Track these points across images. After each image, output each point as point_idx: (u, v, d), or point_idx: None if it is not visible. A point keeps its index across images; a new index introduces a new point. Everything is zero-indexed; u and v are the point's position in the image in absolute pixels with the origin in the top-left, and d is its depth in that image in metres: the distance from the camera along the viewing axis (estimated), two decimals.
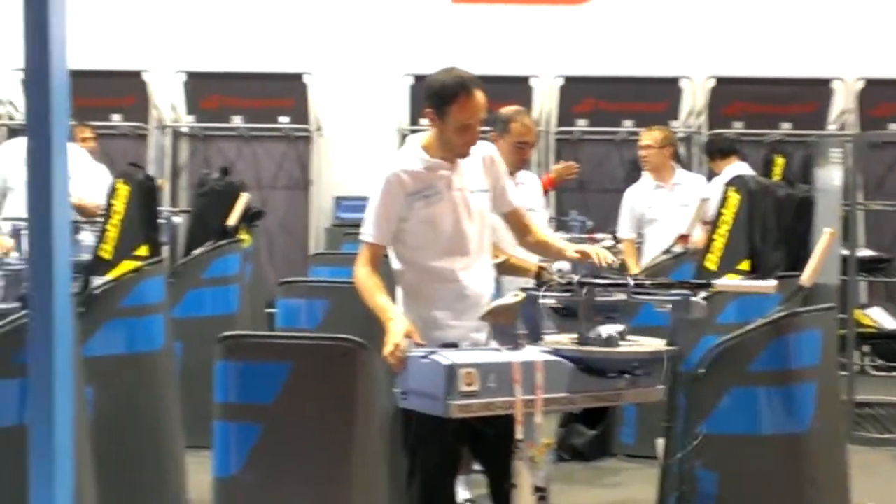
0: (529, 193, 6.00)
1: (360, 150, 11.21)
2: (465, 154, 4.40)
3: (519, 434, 3.67)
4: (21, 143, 7.55)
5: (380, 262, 4.37)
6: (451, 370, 3.52)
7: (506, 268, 4.99)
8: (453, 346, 3.81)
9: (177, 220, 8.79)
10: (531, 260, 5.09)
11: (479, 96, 4.28)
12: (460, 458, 4.43)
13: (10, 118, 10.35)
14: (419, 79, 10.62)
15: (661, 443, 4.90)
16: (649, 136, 8.19)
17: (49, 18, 3.52)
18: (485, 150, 4.52)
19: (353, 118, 11.21)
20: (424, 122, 4.46)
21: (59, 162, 3.58)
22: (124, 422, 5.64)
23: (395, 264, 4.45)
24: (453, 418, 3.54)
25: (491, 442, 4.02)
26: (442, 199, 4.38)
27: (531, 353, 3.82)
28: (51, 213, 3.52)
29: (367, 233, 4.39)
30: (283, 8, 11.14)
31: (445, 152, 4.37)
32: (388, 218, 4.34)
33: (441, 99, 4.28)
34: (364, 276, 4.28)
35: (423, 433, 4.08)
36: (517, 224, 4.68)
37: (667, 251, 7.62)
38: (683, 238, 7.65)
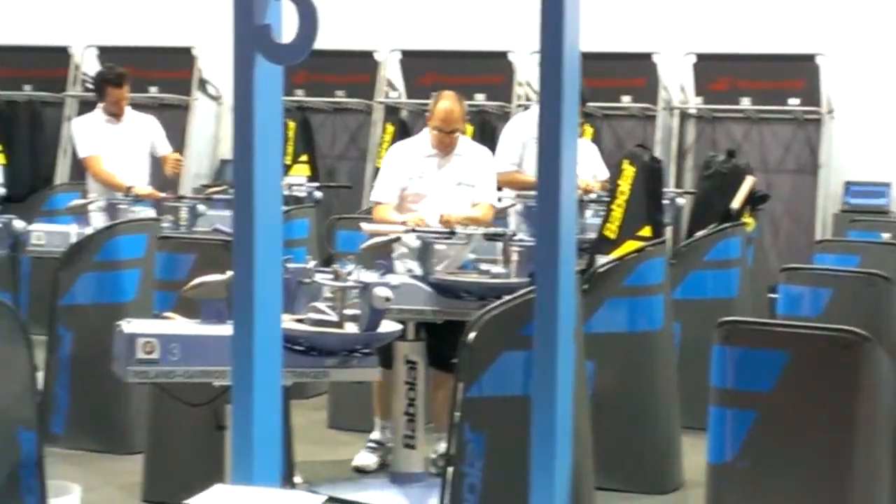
0: None
1: (873, 133, 10.71)
2: None
3: None
4: (524, 117, 7.78)
5: None
6: None
7: None
8: None
9: (681, 201, 8.80)
10: None
11: None
12: None
13: (528, 98, 10.76)
14: None
15: None
16: None
17: (564, 4, 3.63)
18: None
19: (866, 101, 10.73)
20: None
21: (567, 142, 3.69)
22: (622, 398, 5.75)
23: None
24: None
25: None
26: None
27: None
28: (558, 192, 3.64)
29: None
30: None
31: None
32: None
33: None
34: None
35: None
36: None
37: None
38: None
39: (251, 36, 3.45)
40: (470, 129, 10.52)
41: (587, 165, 7.56)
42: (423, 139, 6.21)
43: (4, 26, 11.72)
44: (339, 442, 6.58)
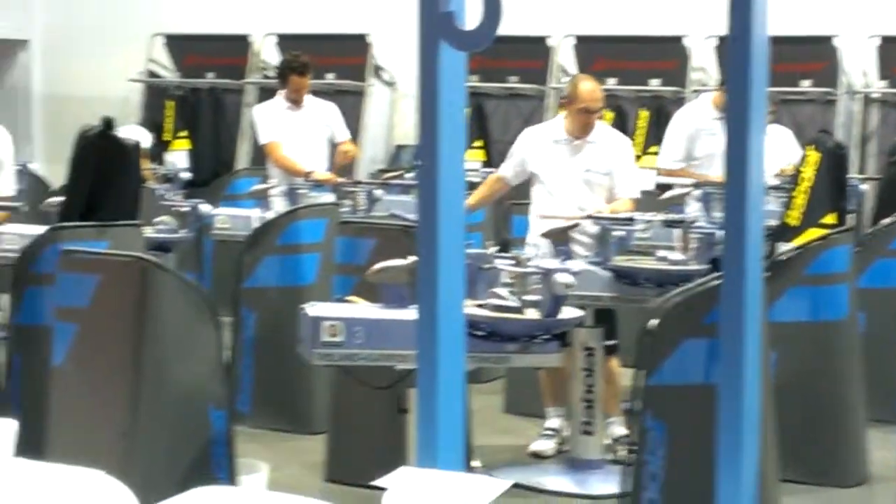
0: None
1: None
2: None
3: None
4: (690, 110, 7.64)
5: None
6: None
7: None
8: None
9: (864, 187, 8.56)
10: None
11: None
12: None
13: (702, 84, 10.58)
14: None
15: None
16: None
17: None
18: None
19: None
20: None
21: (756, 128, 3.62)
22: (805, 389, 5.62)
23: None
24: None
25: None
26: None
27: None
28: (746, 178, 3.57)
29: None
30: None
31: None
32: None
33: None
34: None
35: None
36: None
37: None
38: None
39: (435, 23, 3.47)
40: (645, 114, 10.44)
41: (779, 152, 7.39)
42: (556, 124, 6.18)
43: (187, 16, 12.05)
44: (516, 427, 6.59)
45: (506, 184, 6.30)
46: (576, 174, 6.00)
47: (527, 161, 6.11)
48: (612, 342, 5.86)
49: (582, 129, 6.01)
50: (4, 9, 12.22)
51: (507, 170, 6.25)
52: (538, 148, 6.09)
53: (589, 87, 5.98)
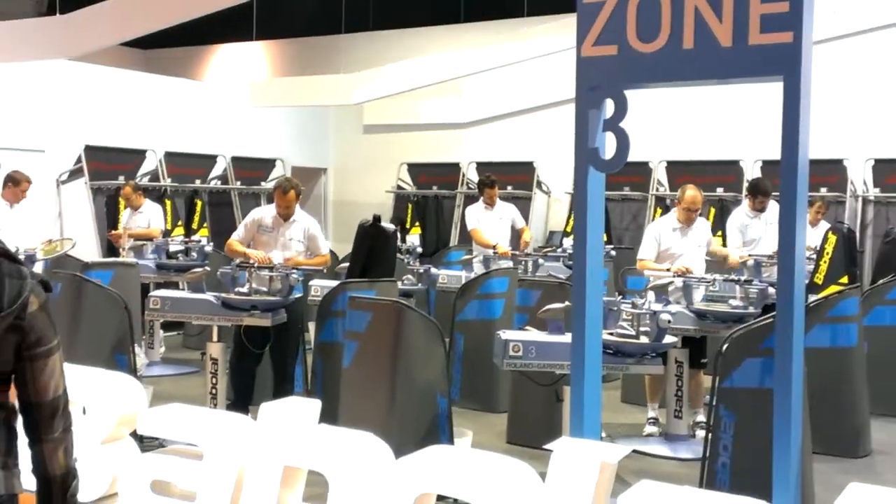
0: None
1: None
2: None
3: None
4: None
5: None
6: None
7: None
8: None
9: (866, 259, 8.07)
10: None
11: None
12: None
13: (745, 193, 10.20)
14: None
15: None
16: None
17: None
18: None
19: None
20: None
21: (799, 223, 3.44)
22: (829, 390, 5.29)
23: None
24: None
25: None
26: None
27: None
28: (794, 252, 3.39)
29: None
30: None
31: None
32: None
33: None
34: None
35: None
36: None
37: None
38: None
39: (585, 154, 3.45)
40: (712, 210, 10.09)
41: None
42: (672, 217, 5.93)
43: (423, 150, 12.27)
44: (629, 412, 6.39)
45: (651, 260, 5.99)
46: (687, 248, 5.82)
47: (659, 240, 5.92)
48: (703, 360, 5.61)
49: (687, 221, 5.83)
50: (312, 149, 12.75)
51: (650, 252, 5.91)
52: (664, 232, 5.92)
53: (690, 194, 5.77)
